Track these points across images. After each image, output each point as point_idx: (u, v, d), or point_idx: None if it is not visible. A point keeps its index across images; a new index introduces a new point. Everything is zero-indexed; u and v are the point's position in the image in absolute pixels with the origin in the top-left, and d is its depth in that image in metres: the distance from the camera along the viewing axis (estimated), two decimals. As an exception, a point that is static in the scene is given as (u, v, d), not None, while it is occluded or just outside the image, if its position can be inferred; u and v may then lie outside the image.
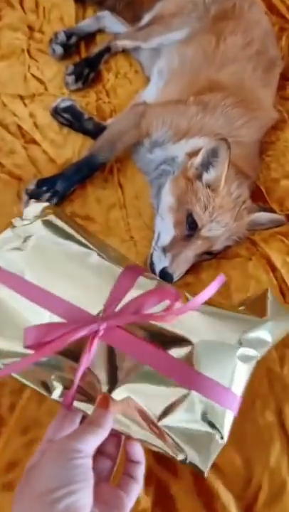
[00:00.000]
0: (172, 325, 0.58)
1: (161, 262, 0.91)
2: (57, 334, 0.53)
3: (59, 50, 1.22)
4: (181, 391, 0.55)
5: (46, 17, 1.33)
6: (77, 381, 0.54)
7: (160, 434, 0.56)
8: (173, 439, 0.55)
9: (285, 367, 0.84)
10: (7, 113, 1.14)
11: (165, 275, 0.89)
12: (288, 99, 1.24)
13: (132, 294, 0.59)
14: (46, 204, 0.69)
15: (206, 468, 0.56)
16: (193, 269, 0.94)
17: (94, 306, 0.58)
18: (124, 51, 1.30)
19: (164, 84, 1.18)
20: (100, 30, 1.34)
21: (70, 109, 1.13)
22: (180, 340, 0.57)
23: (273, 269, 0.94)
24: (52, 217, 0.66)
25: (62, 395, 0.57)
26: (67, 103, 1.13)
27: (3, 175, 1.05)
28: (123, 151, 1.08)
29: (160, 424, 0.55)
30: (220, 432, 0.55)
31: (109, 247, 0.68)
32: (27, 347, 0.55)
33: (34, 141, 1.11)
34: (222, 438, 0.56)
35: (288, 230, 0.99)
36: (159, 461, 0.76)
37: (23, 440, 0.76)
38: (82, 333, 0.53)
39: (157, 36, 1.22)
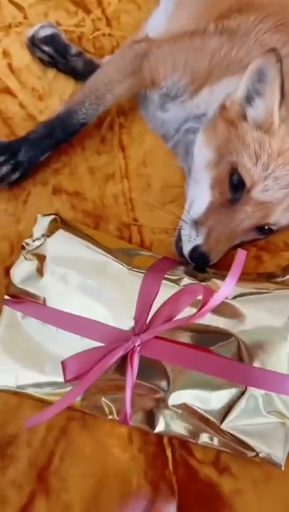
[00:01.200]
0: (212, 319, 0.57)
1: (191, 240, 0.65)
2: (94, 360, 0.54)
3: None
4: (237, 390, 0.56)
5: None
6: (128, 399, 0.55)
7: (226, 436, 0.56)
8: (240, 439, 0.56)
9: None
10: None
11: (198, 257, 0.65)
12: None
13: (161, 296, 0.57)
14: (52, 217, 0.65)
15: (282, 461, 0.56)
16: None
17: (125, 321, 0.58)
18: None
19: (176, 7, 0.86)
20: None
21: (53, 40, 0.84)
22: (224, 334, 0.57)
23: None
24: (60, 233, 0.64)
25: (118, 413, 0.59)
26: (48, 31, 0.84)
27: None
28: (119, 101, 0.79)
29: (223, 426, 0.56)
30: None
31: (124, 245, 0.69)
32: (68, 381, 0.55)
33: (8, 91, 0.84)
34: None
35: None
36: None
37: None
38: (119, 354, 0.54)
39: None
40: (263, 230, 0.68)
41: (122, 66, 0.77)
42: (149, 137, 0.82)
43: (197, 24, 0.78)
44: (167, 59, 0.75)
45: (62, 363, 0.55)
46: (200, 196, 0.68)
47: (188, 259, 0.65)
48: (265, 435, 0.56)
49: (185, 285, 0.58)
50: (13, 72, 0.85)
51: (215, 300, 0.54)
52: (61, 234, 0.63)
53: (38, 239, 0.63)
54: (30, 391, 0.60)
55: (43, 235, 0.63)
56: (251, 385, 0.55)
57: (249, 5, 0.76)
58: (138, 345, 0.55)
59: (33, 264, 0.62)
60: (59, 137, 0.74)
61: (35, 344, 0.60)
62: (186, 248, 0.66)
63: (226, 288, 0.55)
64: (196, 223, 0.66)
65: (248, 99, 0.65)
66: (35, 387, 0.60)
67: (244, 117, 0.65)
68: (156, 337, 0.56)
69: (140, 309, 0.57)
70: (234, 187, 0.64)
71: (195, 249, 0.64)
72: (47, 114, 0.80)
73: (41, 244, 0.63)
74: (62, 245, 0.62)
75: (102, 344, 0.57)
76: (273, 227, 0.68)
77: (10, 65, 0.85)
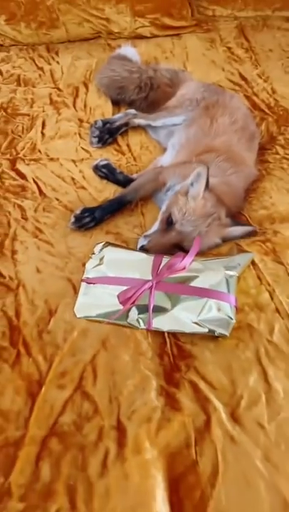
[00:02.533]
0: (188, 271, 1.16)
1: (140, 243, 1.30)
2: (133, 292, 1.13)
3: (95, 138, 1.74)
4: (203, 301, 1.11)
5: (92, 113, 1.89)
6: (150, 311, 1.12)
7: (200, 325, 1.09)
8: (207, 326, 1.09)
9: (260, 323, 1.15)
10: (64, 170, 1.62)
11: (143, 251, 1.27)
12: (266, 162, 1.69)
13: (164, 263, 1.19)
14: (104, 242, 1.28)
15: (227, 333, 1.10)
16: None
17: (148, 277, 1.17)
18: (146, 133, 1.81)
19: (176, 153, 1.66)
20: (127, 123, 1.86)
21: (107, 166, 1.61)
22: (193, 277, 1.16)
23: (253, 263, 1.29)
24: (109, 247, 1.26)
25: (144, 324, 1.12)
26: (104, 162, 1.61)
27: (60, 207, 1.49)
28: (145, 195, 1.52)
29: (198, 319, 1.10)
30: (230, 317, 1.11)
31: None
32: (121, 303, 1.13)
33: (83, 187, 1.57)
34: (232, 319, 1.11)
35: (265, 239, 1.35)
36: (168, 381, 1.06)
37: (72, 360, 1.08)
38: (145, 287, 1.13)
39: (163, 118, 1.76)
40: (182, 249, 1.29)
41: (148, 177, 1.52)
42: (156, 210, 1.53)
43: (186, 158, 1.55)
44: (172, 172, 1.49)
45: (117, 295, 1.14)
46: (154, 226, 1.35)
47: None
48: (220, 323, 1.09)
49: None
50: (85, 179, 1.60)
51: (187, 258, 1.16)
52: (109, 248, 1.26)
53: (98, 251, 1.25)
54: (99, 317, 1.15)
55: (100, 249, 1.26)
56: (210, 297, 1.12)
57: (212, 149, 1.54)
58: (154, 284, 1.15)
59: (96, 261, 1.23)
60: (116, 207, 1.46)
61: (98, 296, 1.18)
62: (138, 246, 1.30)
63: (192, 253, 1.17)
64: (146, 236, 1.32)
65: (191, 184, 1.35)
66: (102, 316, 1.15)
67: (186, 193, 1.34)
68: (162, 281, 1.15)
69: (153, 270, 1.18)
70: (168, 222, 1.31)
71: (142, 247, 1.28)
72: (103, 198, 1.52)
73: (99, 252, 1.25)
74: (111, 251, 1.25)
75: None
76: (185, 247, 1.28)
77: (83, 176, 1.60)
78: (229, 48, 2.31)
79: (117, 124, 1.79)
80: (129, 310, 1.15)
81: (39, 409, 1.00)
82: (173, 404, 1.02)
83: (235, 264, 1.20)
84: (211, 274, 1.17)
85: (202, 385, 1.05)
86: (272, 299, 1.20)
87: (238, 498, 0.89)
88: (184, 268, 1.17)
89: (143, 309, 1.14)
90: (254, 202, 1.52)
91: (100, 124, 1.77)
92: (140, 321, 1.14)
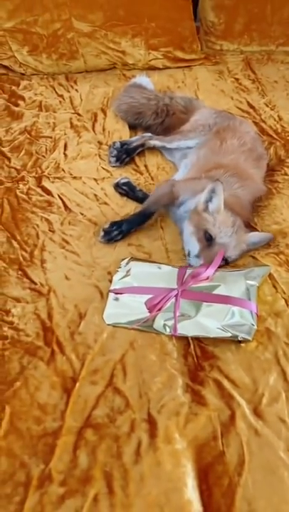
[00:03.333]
0: (211, 281, 1.26)
1: (194, 263, 1.38)
2: (159, 299, 1.22)
3: (114, 157, 1.86)
4: (226, 307, 1.20)
5: (110, 136, 2.01)
6: (176, 318, 1.20)
7: (223, 330, 1.17)
8: (231, 332, 1.16)
9: (278, 327, 1.23)
10: (86, 187, 1.73)
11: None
12: (276, 182, 1.80)
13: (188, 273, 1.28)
14: (129, 257, 1.38)
15: (250, 337, 1.17)
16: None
17: (173, 285, 1.26)
18: (162, 155, 1.93)
19: (188, 171, 1.78)
20: (143, 144, 1.98)
21: (128, 184, 1.71)
22: (216, 286, 1.24)
23: (268, 274, 1.38)
24: (134, 261, 1.37)
25: (170, 330, 1.19)
26: (125, 180, 1.72)
27: (85, 220, 1.59)
28: (162, 206, 1.63)
29: (222, 325, 1.18)
30: (252, 323, 1.19)
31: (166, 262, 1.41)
32: (148, 309, 1.22)
33: (105, 203, 1.67)
34: (253, 325, 1.18)
35: (279, 251, 1.45)
36: (193, 379, 1.13)
37: (102, 359, 1.15)
38: (171, 294, 1.23)
39: (177, 141, 1.88)
40: (226, 261, 1.41)
41: (163, 191, 1.63)
42: (173, 225, 1.62)
43: (196, 174, 1.66)
44: (183, 188, 1.60)
45: (145, 302, 1.23)
46: (193, 247, 1.41)
47: None
48: (243, 328, 1.17)
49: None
50: (107, 196, 1.70)
51: (209, 270, 1.26)
52: (135, 262, 1.36)
53: (124, 264, 1.36)
54: (128, 324, 1.22)
55: (127, 263, 1.35)
56: (233, 305, 1.19)
57: (220, 165, 1.65)
58: (179, 292, 1.24)
59: (123, 273, 1.33)
60: (142, 219, 1.55)
61: (126, 305, 1.26)
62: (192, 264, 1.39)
63: (216, 263, 1.27)
64: (197, 256, 1.39)
65: (208, 200, 1.44)
66: (131, 323, 1.22)
67: (205, 210, 1.44)
68: (186, 290, 1.24)
69: (178, 279, 1.28)
70: (208, 239, 1.39)
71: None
72: (124, 213, 1.62)
73: (126, 265, 1.35)
74: (135, 265, 1.35)
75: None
76: (229, 259, 1.41)
77: (105, 193, 1.71)
78: (237, 79, 2.46)
79: (134, 144, 1.91)
80: (155, 317, 1.23)
81: (74, 403, 1.07)
82: (199, 400, 1.09)
83: (255, 275, 1.29)
84: (233, 284, 1.26)
85: (226, 383, 1.12)
86: (287, 305, 1.28)
87: (263, 486, 0.95)
88: (208, 278, 1.26)
89: (169, 316, 1.22)
90: (266, 218, 1.62)
91: (118, 145, 1.89)
92: (166, 327, 1.21)
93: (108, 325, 1.24)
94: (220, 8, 2.59)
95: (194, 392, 1.11)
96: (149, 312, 1.22)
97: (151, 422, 1.04)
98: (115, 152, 1.87)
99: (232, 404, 1.08)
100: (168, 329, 1.21)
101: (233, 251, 1.41)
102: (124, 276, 1.32)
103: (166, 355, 1.18)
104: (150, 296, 1.25)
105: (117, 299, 1.28)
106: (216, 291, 1.24)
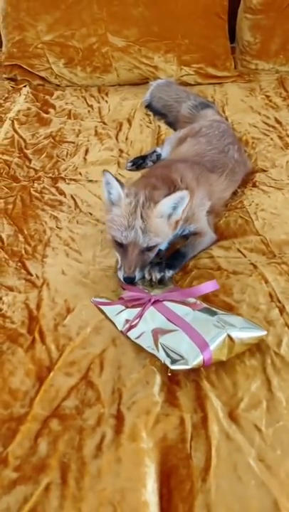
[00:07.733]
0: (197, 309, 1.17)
1: (120, 274, 1.33)
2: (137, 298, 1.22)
3: (130, 162, 1.92)
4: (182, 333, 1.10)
5: (132, 145, 2.04)
6: (134, 321, 1.17)
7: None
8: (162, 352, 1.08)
9: (269, 335, 1.16)
10: (101, 190, 1.74)
11: (126, 280, 1.29)
12: None
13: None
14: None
15: (174, 368, 1.04)
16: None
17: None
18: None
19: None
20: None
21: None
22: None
23: (266, 281, 1.32)
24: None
25: (123, 327, 1.19)
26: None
27: (92, 220, 1.61)
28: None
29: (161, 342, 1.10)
30: (189, 362, 1.04)
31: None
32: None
33: (114, 205, 1.68)
34: (187, 364, 1.04)
35: (281, 261, 1.39)
36: (170, 378, 1.08)
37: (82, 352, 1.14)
38: (146, 298, 1.21)
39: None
40: (149, 250, 1.33)
41: None
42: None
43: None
44: None
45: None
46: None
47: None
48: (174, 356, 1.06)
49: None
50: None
51: (184, 293, 1.21)
52: None
53: None
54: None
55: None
56: (188, 335, 1.09)
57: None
58: (152, 299, 1.19)
59: None
60: None
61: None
62: (121, 279, 1.31)
63: (194, 291, 1.21)
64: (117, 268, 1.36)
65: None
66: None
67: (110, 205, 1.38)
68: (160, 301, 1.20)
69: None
70: (118, 245, 1.33)
71: (124, 279, 1.30)
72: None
73: None
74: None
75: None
76: (149, 246, 1.32)
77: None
78: (267, 96, 2.43)
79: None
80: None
81: (45, 391, 1.06)
82: (172, 400, 1.04)
83: (238, 325, 1.11)
84: (204, 321, 1.13)
85: (204, 383, 1.07)
86: (281, 314, 1.22)
87: (226, 492, 0.88)
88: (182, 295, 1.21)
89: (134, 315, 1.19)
90: (277, 227, 1.57)
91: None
92: (125, 324, 1.19)
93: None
94: (257, 28, 2.59)
95: (170, 391, 1.06)
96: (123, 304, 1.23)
97: (119, 418, 1.00)
98: (132, 158, 1.90)
99: (206, 406, 1.02)
100: (123, 325, 1.18)
101: (147, 237, 1.30)
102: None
103: (147, 353, 1.14)
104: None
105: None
106: (185, 317, 1.14)
